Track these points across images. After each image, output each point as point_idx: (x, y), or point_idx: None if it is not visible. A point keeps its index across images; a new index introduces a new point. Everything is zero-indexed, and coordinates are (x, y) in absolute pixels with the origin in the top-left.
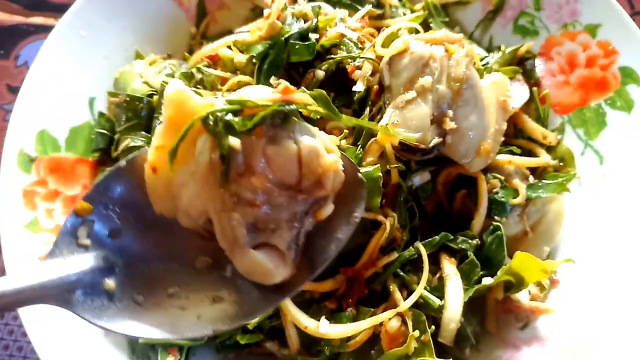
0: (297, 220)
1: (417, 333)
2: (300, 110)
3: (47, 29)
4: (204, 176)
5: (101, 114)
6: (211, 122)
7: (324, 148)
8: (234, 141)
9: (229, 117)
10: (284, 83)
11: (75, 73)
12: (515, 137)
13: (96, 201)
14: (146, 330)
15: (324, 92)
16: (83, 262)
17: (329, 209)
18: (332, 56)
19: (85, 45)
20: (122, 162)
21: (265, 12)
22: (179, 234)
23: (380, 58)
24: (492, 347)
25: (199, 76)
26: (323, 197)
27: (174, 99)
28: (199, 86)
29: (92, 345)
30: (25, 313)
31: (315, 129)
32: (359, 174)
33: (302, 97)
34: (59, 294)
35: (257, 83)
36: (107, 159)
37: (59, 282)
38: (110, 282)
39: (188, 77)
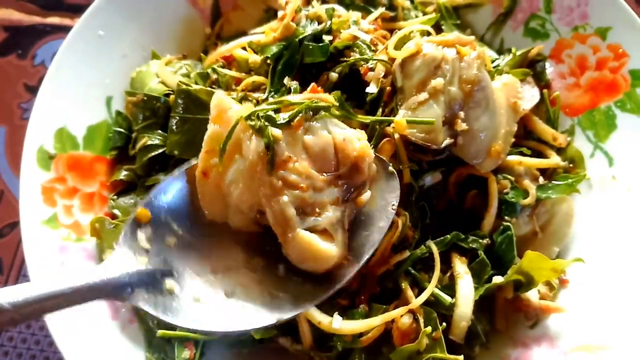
0: (340, 204)
1: (429, 329)
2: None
3: (63, 29)
4: (252, 169)
5: (118, 113)
6: (254, 119)
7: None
8: (276, 131)
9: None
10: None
11: (93, 72)
12: (525, 138)
13: (154, 208)
14: (207, 324)
15: (339, 93)
16: (144, 262)
17: (367, 194)
18: (346, 59)
19: (103, 45)
20: (175, 172)
21: (279, 13)
22: (231, 239)
23: (392, 60)
24: (502, 346)
25: (214, 76)
26: (361, 182)
27: (218, 105)
28: (214, 86)
29: (110, 339)
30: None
31: (342, 123)
32: (390, 167)
33: (327, 96)
34: (121, 290)
35: (271, 83)
36: (124, 157)
37: (121, 280)
38: (170, 282)
39: (203, 77)
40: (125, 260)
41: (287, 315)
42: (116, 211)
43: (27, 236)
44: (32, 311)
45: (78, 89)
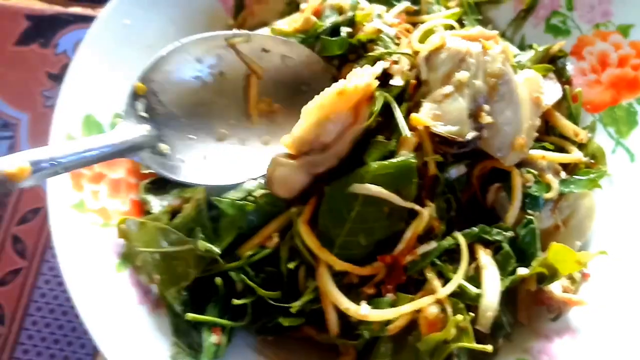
0: None
1: (460, 317)
2: None
3: (84, 18)
4: None
5: None
6: None
7: None
8: None
9: None
10: None
11: (118, 60)
12: (546, 133)
13: (149, 82)
14: (205, 179)
15: None
16: (145, 128)
17: None
18: (370, 53)
19: (128, 33)
20: (170, 47)
21: (302, 5)
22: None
23: (416, 53)
24: (524, 338)
25: None
26: None
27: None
28: None
29: (137, 323)
30: (77, 297)
31: None
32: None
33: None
34: (132, 150)
35: None
36: None
37: (131, 142)
38: (163, 146)
39: None
40: (132, 127)
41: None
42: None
43: (56, 220)
44: (70, 163)
45: (104, 76)
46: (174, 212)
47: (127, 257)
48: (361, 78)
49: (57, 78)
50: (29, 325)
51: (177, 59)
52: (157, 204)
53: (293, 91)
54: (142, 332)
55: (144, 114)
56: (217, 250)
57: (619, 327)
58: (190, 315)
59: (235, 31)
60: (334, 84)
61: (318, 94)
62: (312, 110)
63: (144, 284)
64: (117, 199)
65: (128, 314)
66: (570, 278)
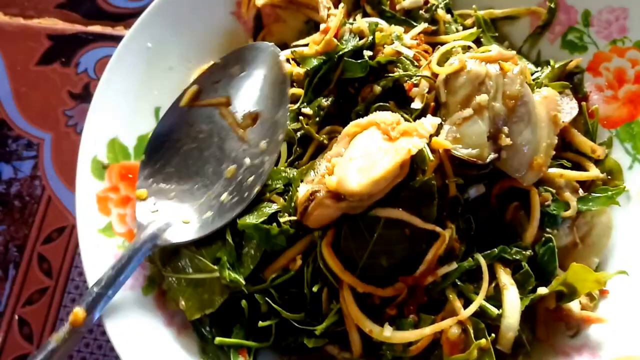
0: None
1: (483, 341)
2: None
3: (104, 37)
4: None
5: None
6: None
7: None
8: None
9: None
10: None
11: (142, 83)
12: (563, 150)
13: (147, 187)
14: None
15: None
16: (162, 216)
17: None
18: (390, 74)
19: (150, 57)
20: (146, 146)
21: (322, 26)
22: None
23: (435, 75)
24: (543, 355)
25: None
26: None
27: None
28: None
29: (165, 345)
30: (106, 319)
31: None
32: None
33: None
34: (152, 243)
35: (305, 95)
36: None
37: (155, 233)
38: (186, 219)
39: None
40: (144, 230)
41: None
42: None
43: (85, 244)
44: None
45: (128, 100)
46: None
47: (153, 280)
48: (416, 140)
49: (78, 97)
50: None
51: (159, 153)
52: None
53: (257, 89)
54: (170, 355)
55: (155, 209)
56: (242, 280)
57: (638, 344)
58: (219, 339)
59: (183, 90)
60: (388, 145)
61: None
62: (373, 178)
63: (169, 308)
64: None
65: (156, 336)
66: (589, 295)
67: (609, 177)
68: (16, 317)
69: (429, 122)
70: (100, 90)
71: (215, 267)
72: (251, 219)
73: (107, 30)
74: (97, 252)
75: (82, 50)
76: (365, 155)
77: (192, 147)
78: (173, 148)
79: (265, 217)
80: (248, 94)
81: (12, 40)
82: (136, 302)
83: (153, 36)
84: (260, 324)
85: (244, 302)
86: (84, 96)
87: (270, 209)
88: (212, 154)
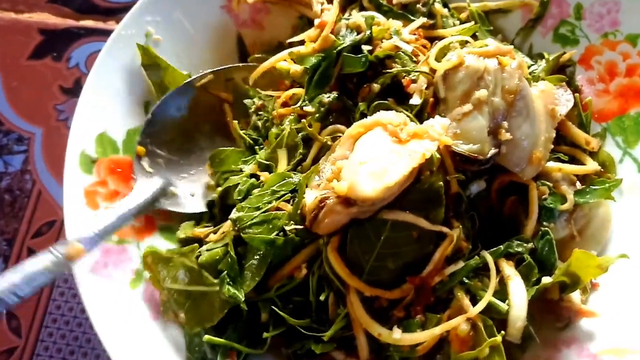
0: None
1: (498, 338)
2: None
3: (96, 32)
4: None
5: None
6: None
7: None
8: None
9: None
10: None
11: (131, 77)
12: (557, 143)
13: (145, 144)
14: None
15: None
16: (155, 181)
17: None
18: (388, 70)
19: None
20: (153, 107)
21: (316, 21)
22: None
23: (433, 71)
24: (532, 347)
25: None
26: None
27: None
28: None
29: (152, 339)
30: (93, 310)
31: None
32: None
33: None
34: (152, 204)
35: (306, 94)
36: None
37: (152, 195)
38: (172, 189)
39: None
40: (145, 185)
41: None
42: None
43: (73, 237)
44: (108, 233)
45: (117, 94)
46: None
47: (140, 274)
48: (428, 144)
49: (69, 92)
50: (45, 336)
51: (162, 116)
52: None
53: None
54: (156, 347)
55: (150, 170)
56: (241, 297)
57: (627, 338)
58: (207, 337)
59: (201, 73)
60: (399, 150)
61: None
62: (388, 184)
63: (166, 319)
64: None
65: (142, 329)
66: (582, 288)
67: (602, 169)
68: (4, 310)
69: (439, 124)
70: (89, 84)
71: (215, 281)
72: (261, 232)
73: (99, 25)
74: None
75: (74, 45)
76: (376, 159)
77: (190, 127)
78: (175, 119)
79: (278, 231)
80: None
81: (3, 35)
82: (123, 295)
83: (143, 30)
84: (265, 335)
85: (243, 305)
86: (75, 91)
87: (281, 220)
88: (204, 141)
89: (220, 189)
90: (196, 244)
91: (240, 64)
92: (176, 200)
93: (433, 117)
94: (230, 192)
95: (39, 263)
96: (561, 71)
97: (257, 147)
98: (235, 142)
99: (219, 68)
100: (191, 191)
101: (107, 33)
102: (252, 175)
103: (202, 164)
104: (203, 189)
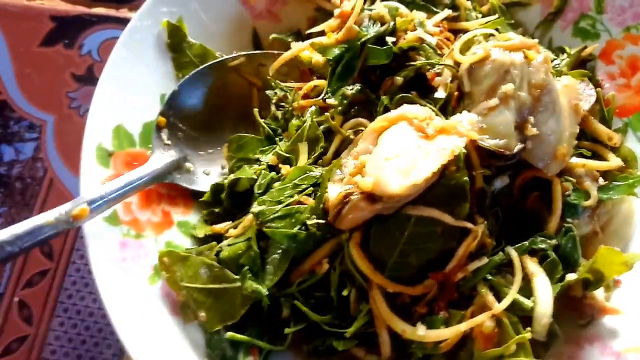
0: None
1: (528, 334)
2: None
3: (108, 19)
4: None
5: None
6: None
7: None
8: None
9: None
10: None
11: (148, 69)
12: (579, 138)
13: (168, 115)
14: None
15: None
16: (171, 154)
17: None
18: (411, 63)
19: (155, 43)
20: (182, 82)
21: (336, 11)
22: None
23: (458, 64)
24: (554, 344)
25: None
26: None
27: None
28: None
29: (171, 335)
30: (111, 304)
31: None
32: None
33: None
34: (165, 175)
35: (329, 86)
36: None
37: (163, 169)
38: (187, 164)
39: None
40: (161, 156)
41: None
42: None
43: (90, 234)
44: (118, 197)
45: (133, 86)
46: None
47: (159, 270)
48: (457, 140)
49: (82, 79)
50: (56, 326)
51: (189, 89)
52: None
53: None
54: (175, 343)
55: (168, 142)
56: (264, 291)
57: None
58: (230, 334)
59: (235, 54)
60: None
61: None
62: (416, 181)
63: (186, 321)
64: (148, 210)
65: (160, 324)
66: (605, 285)
67: (624, 165)
68: (16, 299)
69: (467, 120)
70: (105, 77)
71: (237, 277)
72: (283, 226)
73: (112, 12)
74: (102, 240)
75: (86, 32)
76: (402, 155)
77: (215, 106)
78: (201, 95)
79: (300, 225)
80: None
81: (15, 22)
82: (141, 290)
83: (159, 21)
84: (287, 330)
85: (265, 300)
86: (88, 78)
87: (303, 214)
88: (226, 123)
89: (232, 176)
90: (214, 242)
91: (275, 51)
92: (190, 177)
93: (458, 111)
94: (240, 182)
95: (43, 218)
96: (582, 66)
97: (276, 138)
98: (258, 129)
99: (252, 52)
100: (206, 170)
101: (119, 20)
102: (271, 168)
103: (222, 144)
104: (219, 170)
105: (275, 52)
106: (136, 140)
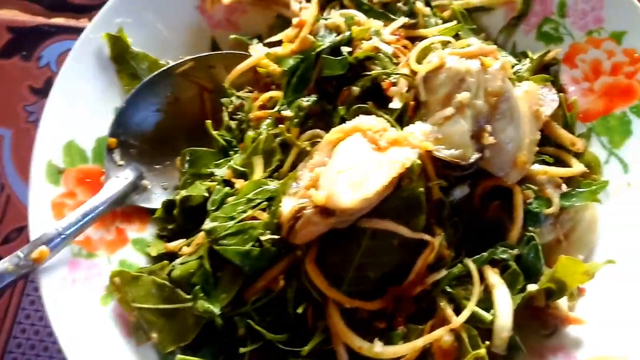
0: None
1: (483, 351)
2: None
3: (67, 29)
4: None
5: None
6: None
7: None
8: None
9: None
10: None
11: (99, 83)
12: (542, 144)
13: (118, 135)
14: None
15: None
16: (127, 174)
17: None
18: (367, 73)
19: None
20: (128, 97)
21: (294, 20)
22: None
23: (415, 73)
24: (517, 356)
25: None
26: None
27: None
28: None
29: (123, 357)
30: (61, 331)
31: None
32: None
33: None
34: (122, 199)
35: (284, 97)
36: None
37: (120, 193)
38: (145, 182)
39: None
40: (116, 180)
41: None
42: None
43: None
44: (76, 231)
45: (86, 100)
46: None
47: (125, 306)
48: (408, 152)
49: (40, 92)
50: (13, 348)
51: (137, 102)
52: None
53: None
54: None
55: (121, 162)
56: (216, 311)
57: (614, 345)
58: (180, 357)
59: (182, 59)
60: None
61: None
62: (368, 194)
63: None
64: (101, 229)
65: (113, 346)
66: (569, 294)
67: (588, 170)
68: None
69: (420, 130)
70: (56, 90)
71: (189, 297)
72: (236, 243)
73: (71, 22)
74: (52, 261)
75: (45, 43)
76: (354, 167)
77: (167, 117)
78: (150, 108)
79: (254, 241)
80: None
81: None
82: (93, 312)
83: (113, 32)
84: (242, 350)
85: (218, 321)
86: (46, 91)
87: (257, 230)
88: (180, 132)
89: (183, 192)
90: (166, 261)
91: (224, 52)
92: (148, 195)
93: (414, 121)
94: (192, 198)
95: (1, 266)
96: (545, 70)
97: (231, 150)
98: (213, 138)
99: (200, 55)
100: (164, 184)
101: (79, 31)
102: (226, 182)
103: (177, 155)
104: (176, 182)
105: (224, 52)
106: (89, 156)
